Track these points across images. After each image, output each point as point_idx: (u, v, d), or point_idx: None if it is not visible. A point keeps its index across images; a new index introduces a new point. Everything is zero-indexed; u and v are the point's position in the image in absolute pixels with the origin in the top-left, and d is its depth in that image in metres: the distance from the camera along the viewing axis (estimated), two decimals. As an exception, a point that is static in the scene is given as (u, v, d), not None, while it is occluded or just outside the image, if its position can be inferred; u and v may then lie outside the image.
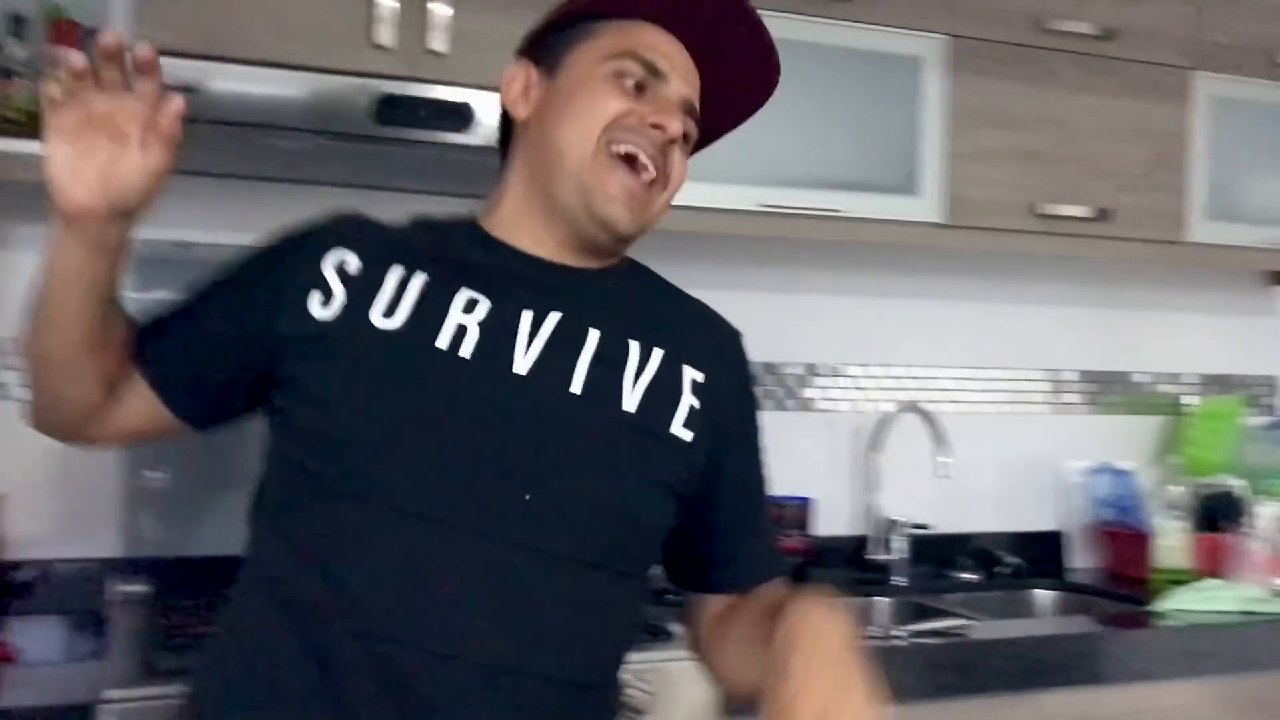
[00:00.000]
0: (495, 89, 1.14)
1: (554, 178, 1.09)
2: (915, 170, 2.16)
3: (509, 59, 1.16)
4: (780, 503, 2.31)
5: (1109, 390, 2.72)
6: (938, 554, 2.48)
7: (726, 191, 2.02)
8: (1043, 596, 2.44)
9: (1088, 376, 2.70)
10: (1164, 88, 2.37)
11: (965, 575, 2.45)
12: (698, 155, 2.04)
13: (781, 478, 2.48)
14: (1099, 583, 2.44)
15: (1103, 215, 2.29)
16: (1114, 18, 2.31)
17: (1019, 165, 2.24)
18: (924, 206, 2.17)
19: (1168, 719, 1.96)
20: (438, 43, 1.77)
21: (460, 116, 1.73)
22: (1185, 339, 2.80)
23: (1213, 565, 2.33)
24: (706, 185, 2.01)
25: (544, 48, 1.13)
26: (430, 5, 1.77)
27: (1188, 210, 2.39)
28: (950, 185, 2.18)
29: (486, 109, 1.71)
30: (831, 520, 2.43)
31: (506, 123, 1.17)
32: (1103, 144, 2.31)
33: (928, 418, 2.30)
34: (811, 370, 2.46)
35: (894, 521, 2.40)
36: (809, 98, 2.09)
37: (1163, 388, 2.77)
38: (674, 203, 2.00)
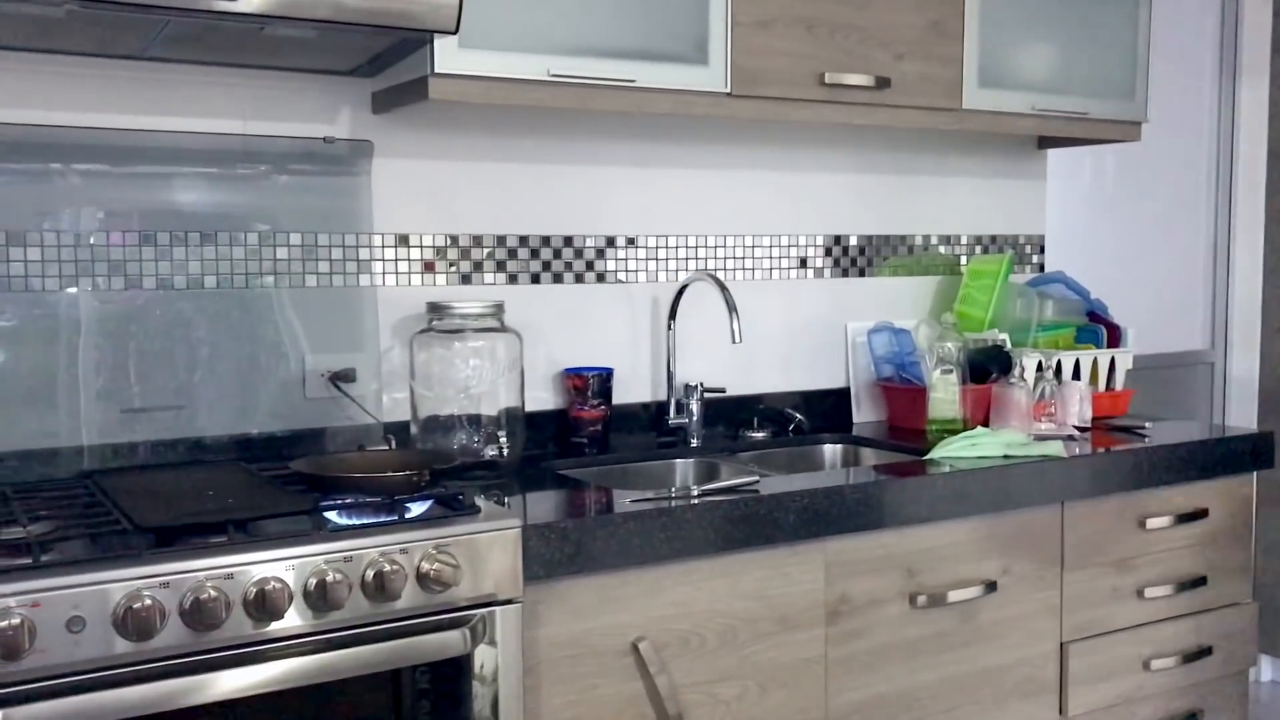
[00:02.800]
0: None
1: None
2: (704, 39, 2.17)
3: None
4: (583, 373, 2.36)
5: (889, 253, 2.86)
6: (732, 415, 2.59)
7: (516, 60, 1.99)
8: (829, 450, 2.59)
9: (868, 240, 2.83)
10: (940, -43, 2.44)
11: (758, 434, 2.57)
12: (484, 23, 2.02)
13: (583, 349, 2.55)
14: (879, 435, 2.60)
15: (883, 83, 2.37)
16: (893, -114, 2.35)
17: (801, 33, 2.28)
18: (711, 76, 2.19)
19: (940, 555, 2.13)
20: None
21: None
22: (960, 202, 2.95)
23: (982, 414, 2.52)
24: (495, 54, 1.98)
25: None
26: None
27: (962, 78, 2.49)
28: (734, 54, 2.20)
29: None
30: (632, 388, 2.49)
31: None
32: (882, 11, 2.37)
33: (720, 285, 2.36)
34: (609, 243, 2.48)
35: (690, 386, 2.48)
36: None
37: (939, 249, 2.93)
38: (461, 72, 1.98)
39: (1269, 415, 3.57)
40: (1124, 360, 2.80)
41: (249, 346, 2.11)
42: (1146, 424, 2.64)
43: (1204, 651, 2.50)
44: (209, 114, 2.07)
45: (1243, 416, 3.59)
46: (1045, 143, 3.03)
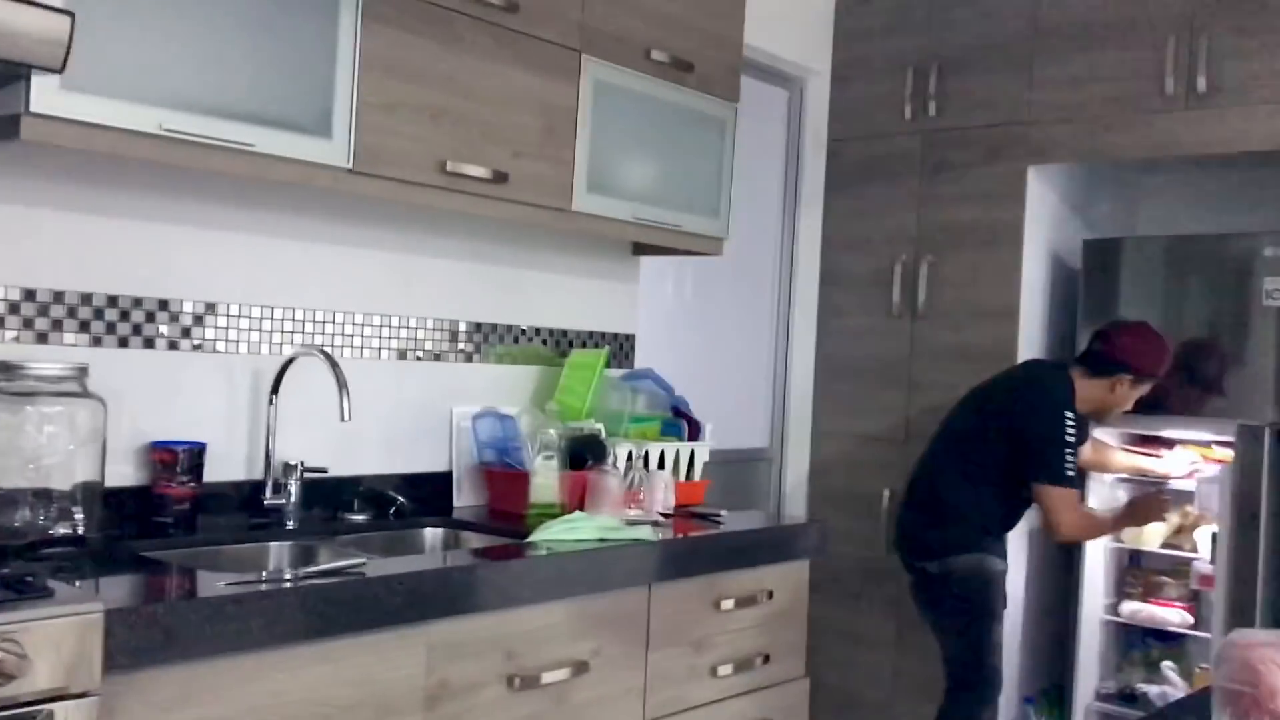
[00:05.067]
0: None
1: None
2: (329, 112, 2.15)
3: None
4: (172, 448, 2.20)
5: (495, 340, 2.93)
6: (331, 496, 2.51)
7: (126, 110, 1.87)
8: (431, 534, 2.58)
9: (477, 327, 2.88)
10: (557, 65, 2.58)
11: (358, 516, 2.51)
12: (93, 64, 1.86)
13: (174, 422, 2.38)
14: (482, 518, 2.63)
15: (500, 178, 2.45)
16: (519, -7, 2.47)
17: (426, 121, 2.32)
18: (334, 150, 2.17)
19: (538, 637, 2.18)
20: None
21: None
22: (564, 298, 3.09)
23: (578, 499, 2.62)
24: (103, 100, 1.85)
25: None
26: None
27: (573, 181, 2.64)
28: (358, 132, 2.20)
29: None
30: (226, 465, 2.36)
31: None
32: (503, 110, 2.47)
33: (330, 361, 2.31)
34: (210, 309, 2.35)
35: (290, 465, 2.38)
36: (217, 16, 1.98)
37: (544, 341, 3.04)
38: (61, 115, 1.82)
39: (816, 509, 3.99)
40: (702, 453, 3.03)
41: None
42: (721, 512, 2.86)
43: (765, 724, 2.72)
44: None
45: (797, 508, 3.98)
46: (640, 249, 3.25)
